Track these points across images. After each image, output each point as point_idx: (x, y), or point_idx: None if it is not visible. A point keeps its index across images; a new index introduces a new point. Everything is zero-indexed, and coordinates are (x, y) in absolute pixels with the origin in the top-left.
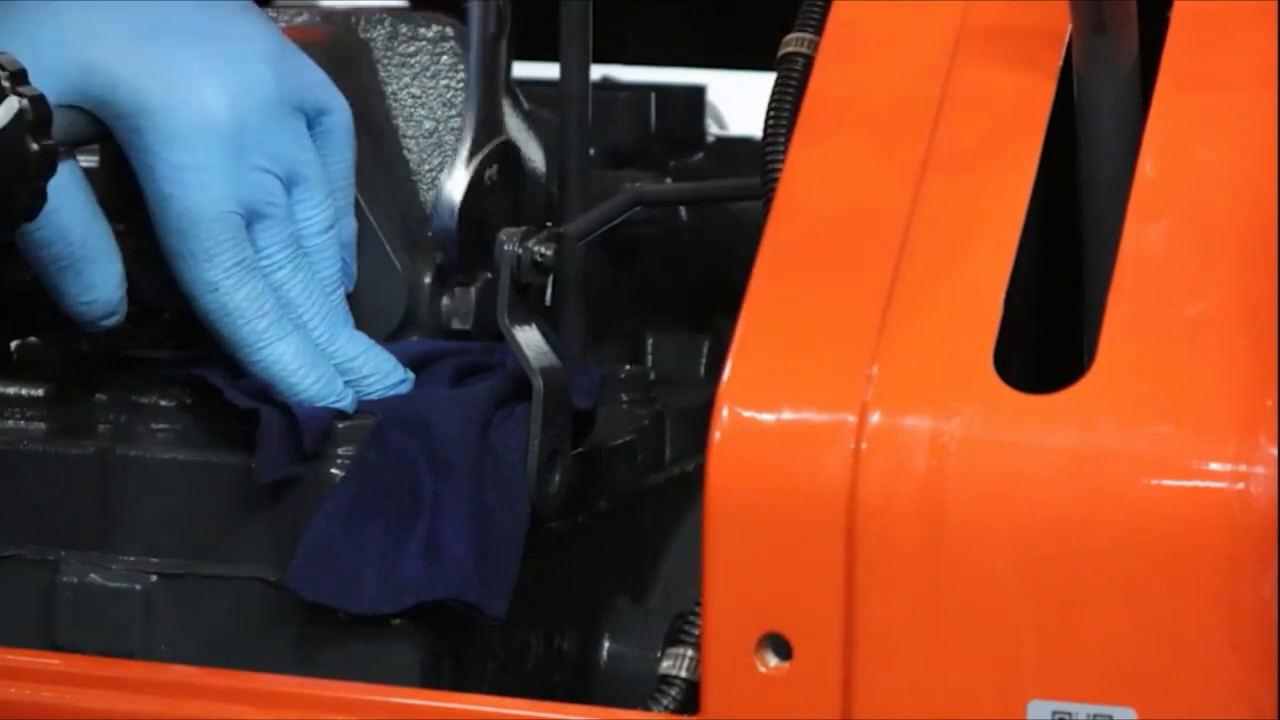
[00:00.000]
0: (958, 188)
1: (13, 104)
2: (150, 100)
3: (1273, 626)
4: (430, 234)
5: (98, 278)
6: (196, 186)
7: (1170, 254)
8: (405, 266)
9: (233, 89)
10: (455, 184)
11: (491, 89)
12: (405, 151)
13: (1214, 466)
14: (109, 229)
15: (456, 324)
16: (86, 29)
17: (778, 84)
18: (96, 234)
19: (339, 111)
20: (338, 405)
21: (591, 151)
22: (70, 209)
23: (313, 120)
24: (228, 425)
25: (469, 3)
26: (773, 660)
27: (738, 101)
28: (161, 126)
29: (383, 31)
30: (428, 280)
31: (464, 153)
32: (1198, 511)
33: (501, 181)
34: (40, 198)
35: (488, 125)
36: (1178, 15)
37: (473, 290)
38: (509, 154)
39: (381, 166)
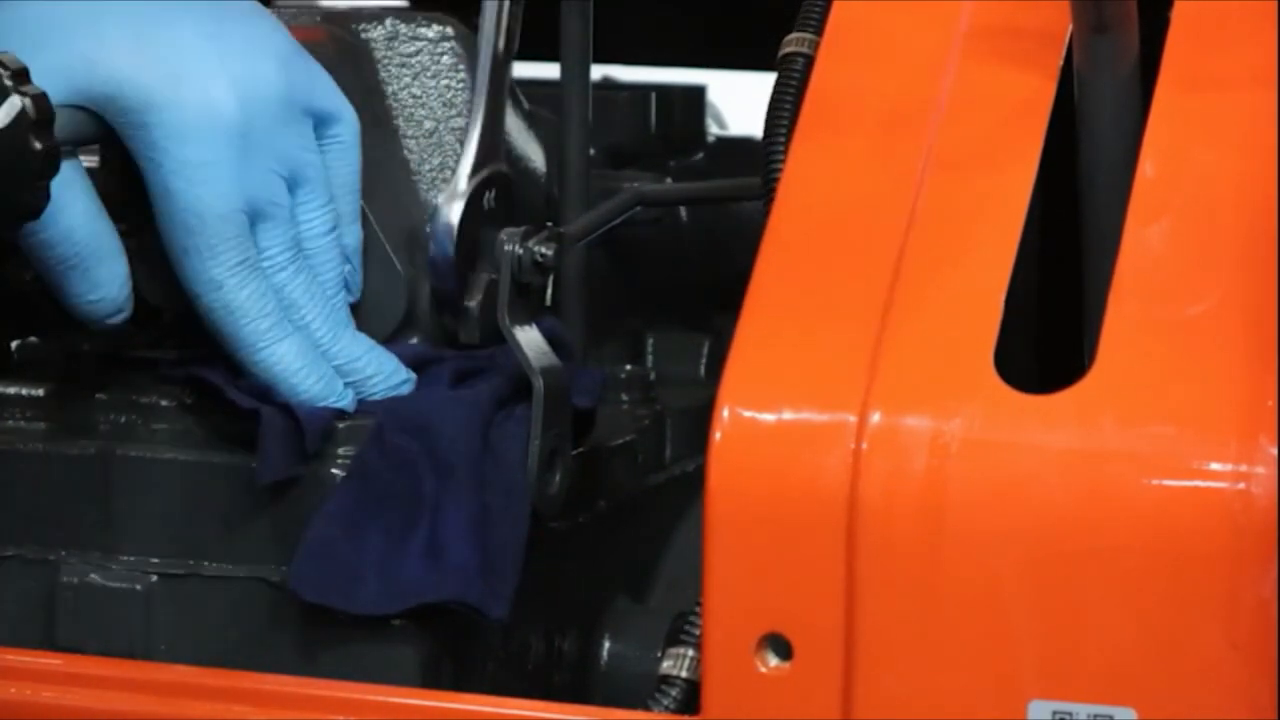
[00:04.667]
0: (958, 188)
1: (15, 103)
2: (158, 96)
3: (1273, 626)
4: (427, 257)
5: (103, 276)
6: (203, 182)
7: (1170, 254)
8: (405, 267)
9: (241, 87)
10: (454, 208)
11: (496, 113)
12: (405, 152)
13: (1215, 467)
14: (113, 227)
15: (464, 337)
16: (91, 27)
17: (778, 84)
18: (101, 232)
19: (347, 120)
20: (338, 405)
21: (591, 151)
22: (75, 209)
23: (320, 127)
24: (228, 425)
25: (481, 21)
26: (773, 660)
27: (738, 101)
28: (169, 122)
29: (383, 31)
30: (428, 281)
31: (463, 174)
32: (1198, 512)
33: (498, 209)
34: (43, 197)
35: (490, 150)
36: (1178, 15)
37: (474, 304)
38: (505, 183)
39: (382, 167)
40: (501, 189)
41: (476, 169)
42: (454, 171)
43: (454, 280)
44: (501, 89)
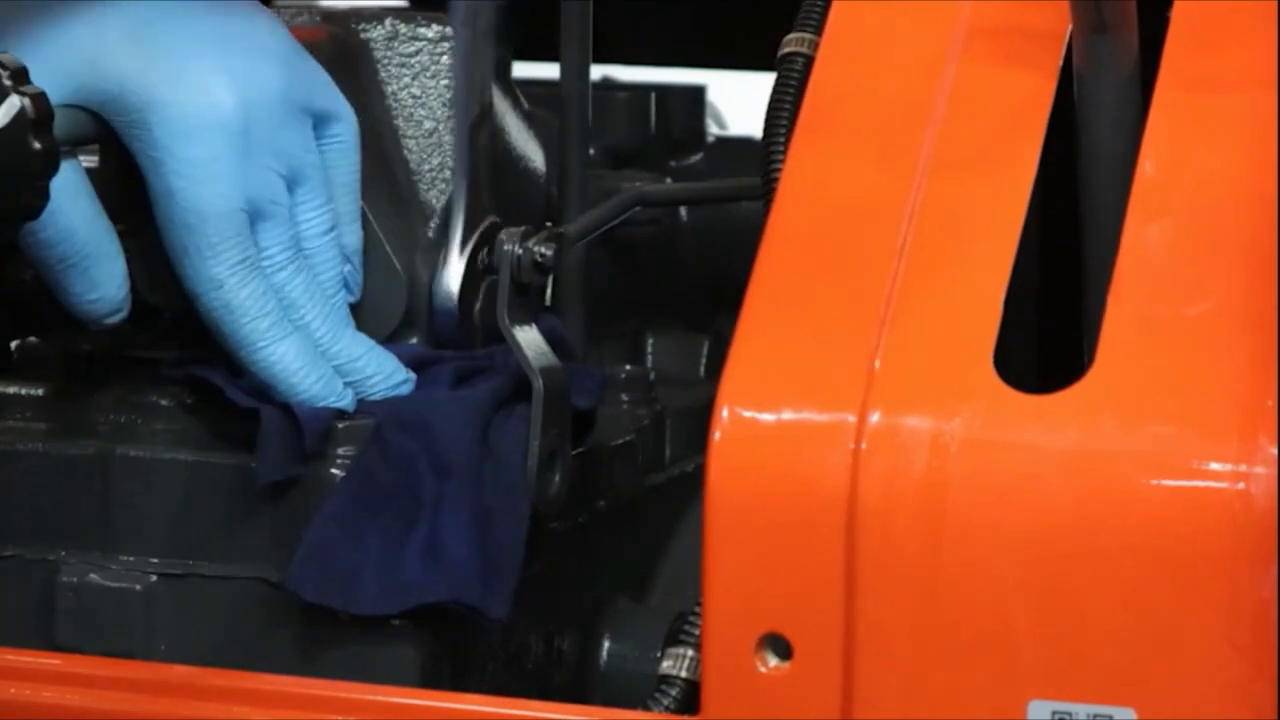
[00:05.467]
0: (958, 188)
1: (14, 103)
2: (159, 95)
3: (1273, 626)
4: (431, 321)
5: (102, 276)
6: (204, 181)
7: (1170, 254)
8: (405, 266)
9: (241, 86)
10: (452, 275)
11: (476, 174)
12: (405, 151)
13: (1214, 466)
14: (112, 227)
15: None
16: (92, 27)
17: (778, 84)
18: (100, 232)
19: (346, 120)
20: (338, 405)
21: (591, 151)
22: (74, 208)
23: (320, 126)
24: (228, 425)
25: (455, 77)
26: (773, 660)
27: (738, 101)
28: (170, 120)
29: (383, 31)
30: (428, 280)
31: (456, 241)
32: (1198, 511)
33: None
34: (43, 196)
35: (476, 208)
36: (1178, 15)
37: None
38: (496, 232)
39: (381, 167)
40: (494, 240)
41: (468, 232)
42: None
43: (457, 335)
44: (479, 146)
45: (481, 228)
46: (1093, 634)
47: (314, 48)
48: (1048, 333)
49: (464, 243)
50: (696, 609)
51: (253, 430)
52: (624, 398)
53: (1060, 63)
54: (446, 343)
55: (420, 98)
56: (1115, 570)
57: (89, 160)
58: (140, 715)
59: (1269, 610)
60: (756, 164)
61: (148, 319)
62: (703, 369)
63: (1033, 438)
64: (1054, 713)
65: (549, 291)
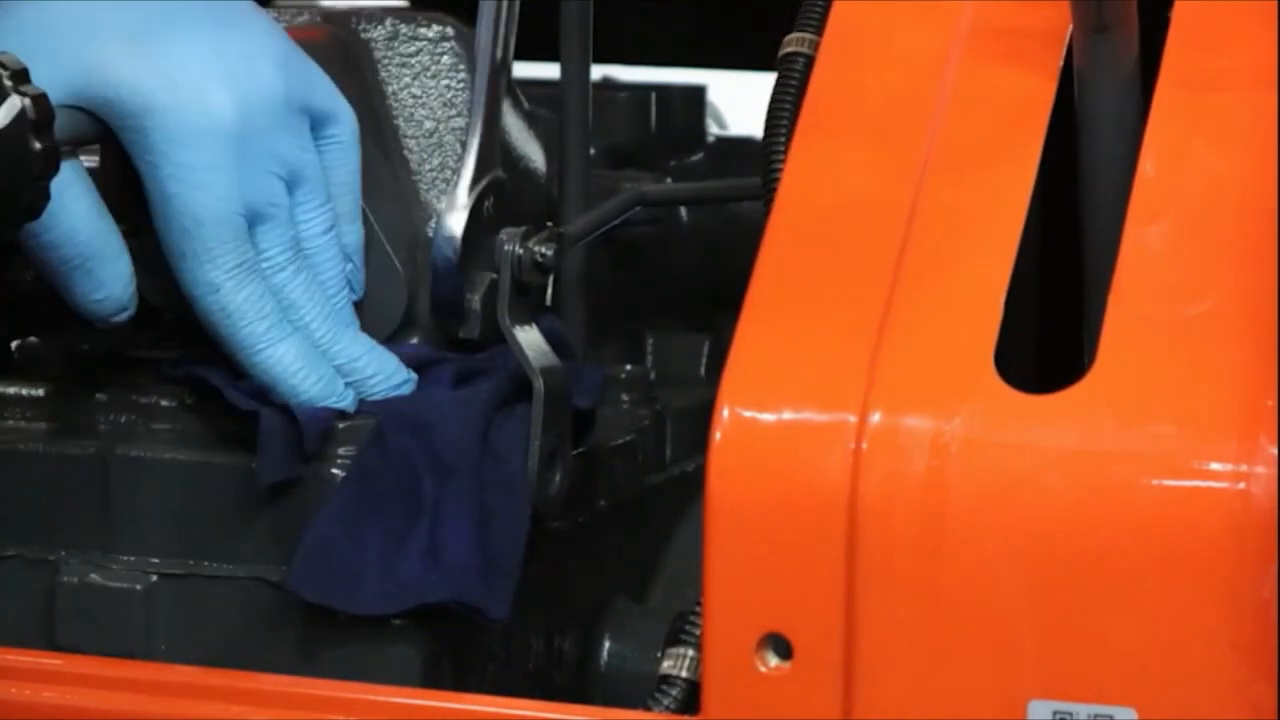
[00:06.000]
0: (958, 187)
1: (15, 103)
2: (156, 100)
3: (1273, 626)
4: (429, 265)
5: (108, 276)
6: (201, 186)
7: (1170, 254)
8: (405, 267)
9: (239, 89)
10: (456, 218)
11: (494, 122)
12: (405, 151)
13: (1215, 466)
14: (115, 226)
15: (464, 334)
16: (90, 29)
17: (778, 84)
18: (104, 232)
19: (345, 120)
20: (339, 406)
21: (591, 151)
22: (76, 209)
23: (318, 127)
24: (228, 425)
25: (478, 30)
26: (773, 660)
27: (738, 101)
28: (167, 126)
29: (383, 31)
30: (428, 280)
31: (464, 185)
32: (1198, 511)
33: (497, 215)
34: (43, 197)
35: (488, 157)
36: (1178, 15)
37: (477, 298)
38: (502, 189)
39: (382, 167)
40: (500, 195)
41: (477, 178)
42: (454, 172)
43: (456, 286)
44: (498, 97)
45: (489, 178)
46: (1093, 634)
47: (314, 48)
48: (1048, 333)
49: (471, 187)
50: (697, 609)
51: (253, 430)
52: (624, 398)
53: (1060, 63)
54: (443, 298)
55: (420, 98)
56: (1115, 570)
57: (89, 160)
58: (140, 715)
59: (1269, 610)
60: (756, 164)
61: (149, 319)
62: (703, 369)
63: (1033, 438)
64: (1054, 713)
65: (549, 291)
